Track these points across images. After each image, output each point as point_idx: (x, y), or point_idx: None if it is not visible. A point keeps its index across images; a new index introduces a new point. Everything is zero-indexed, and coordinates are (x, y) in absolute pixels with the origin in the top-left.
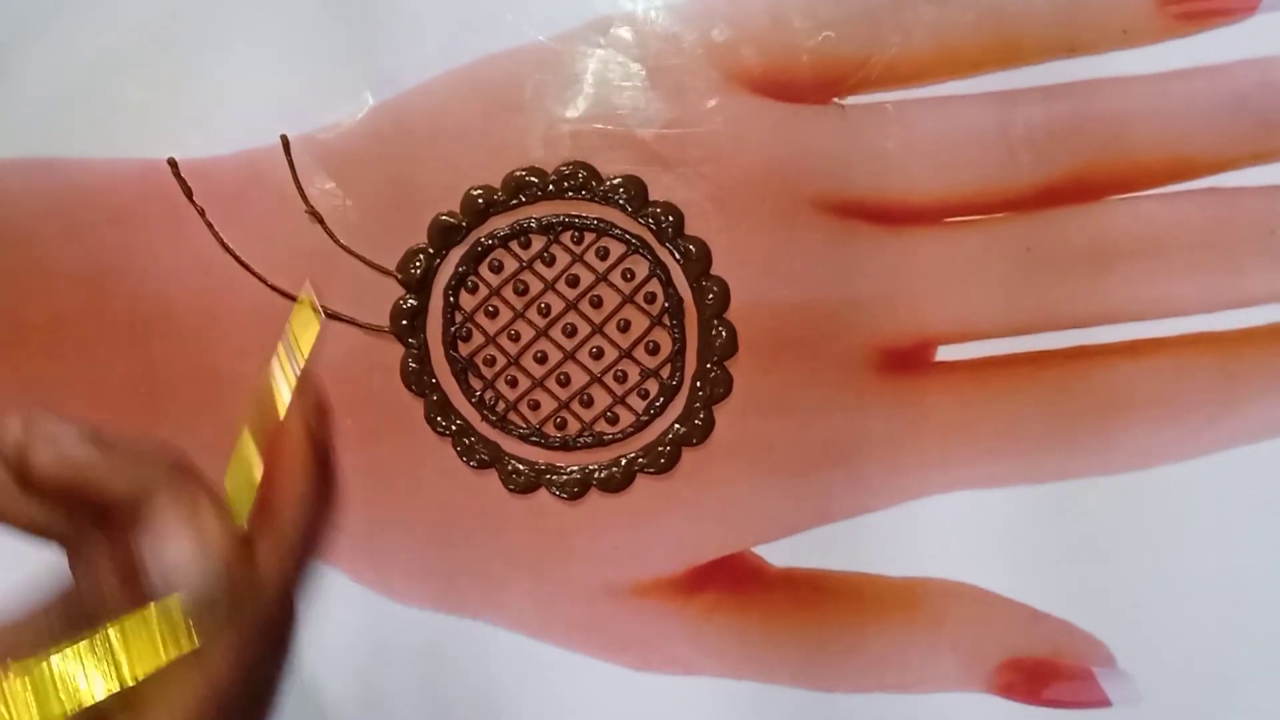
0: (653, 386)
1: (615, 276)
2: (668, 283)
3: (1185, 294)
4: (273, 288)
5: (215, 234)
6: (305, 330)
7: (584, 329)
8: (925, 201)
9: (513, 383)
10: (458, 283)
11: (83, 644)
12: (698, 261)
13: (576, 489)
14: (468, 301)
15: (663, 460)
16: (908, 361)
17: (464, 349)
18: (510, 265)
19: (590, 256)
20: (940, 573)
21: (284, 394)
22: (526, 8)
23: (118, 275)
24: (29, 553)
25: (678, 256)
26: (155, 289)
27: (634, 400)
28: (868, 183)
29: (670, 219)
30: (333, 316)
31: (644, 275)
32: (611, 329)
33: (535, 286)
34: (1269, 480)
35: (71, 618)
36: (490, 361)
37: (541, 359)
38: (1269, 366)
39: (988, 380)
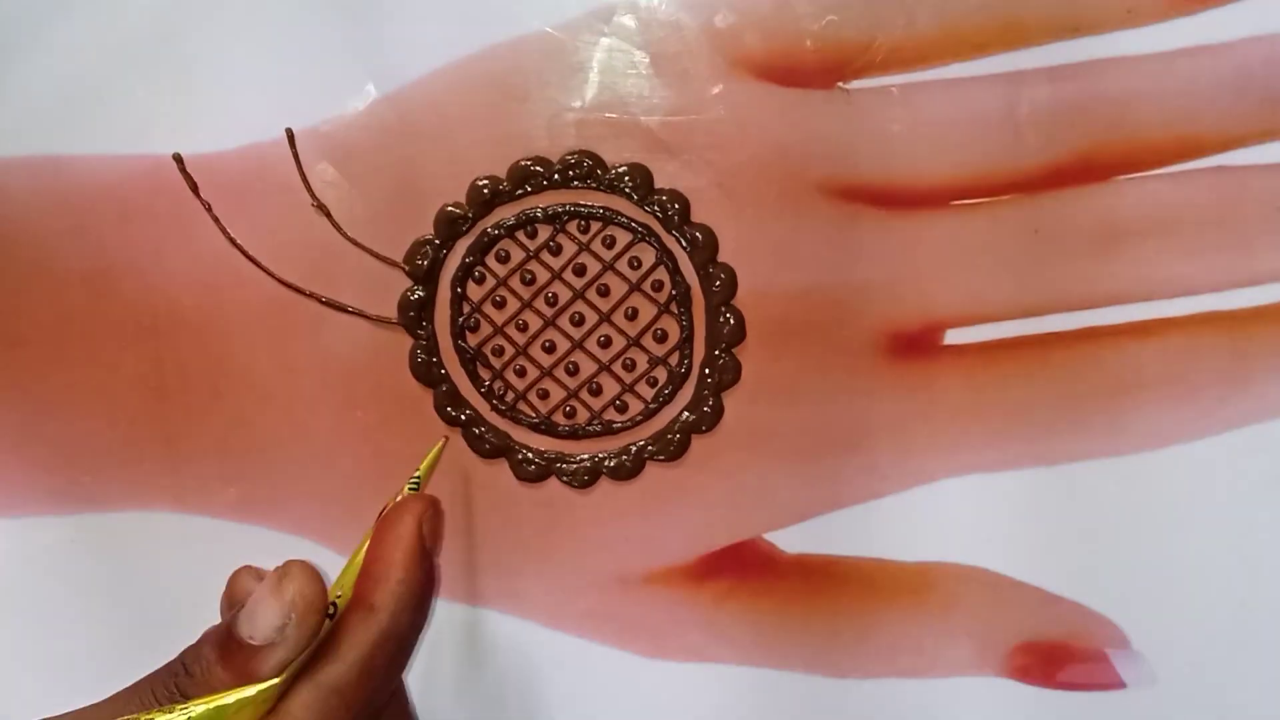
0: (661, 374)
1: (622, 265)
2: (675, 270)
3: (1194, 273)
4: (280, 281)
5: (222, 228)
6: (430, 461)
7: (592, 318)
8: (932, 184)
9: (521, 372)
10: (465, 273)
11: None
12: (704, 248)
13: (586, 478)
14: (475, 292)
15: (672, 448)
16: (916, 345)
17: (472, 339)
18: (517, 255)
19: (597, 245)
20: (952, 557)
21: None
22: None
23: (124, 272)
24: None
25: (684, 244)
26: (162, 285)
27: (643, 388)
28: (874, 167)
29: (676, 206)
30: (340, 309)
31: (651, 263)
32: (619, 317)
33: (542, 276)
34: None
35: (169, 692)
36: (499, 351)
37: (550, 348)
38: None
39: (997, 363)
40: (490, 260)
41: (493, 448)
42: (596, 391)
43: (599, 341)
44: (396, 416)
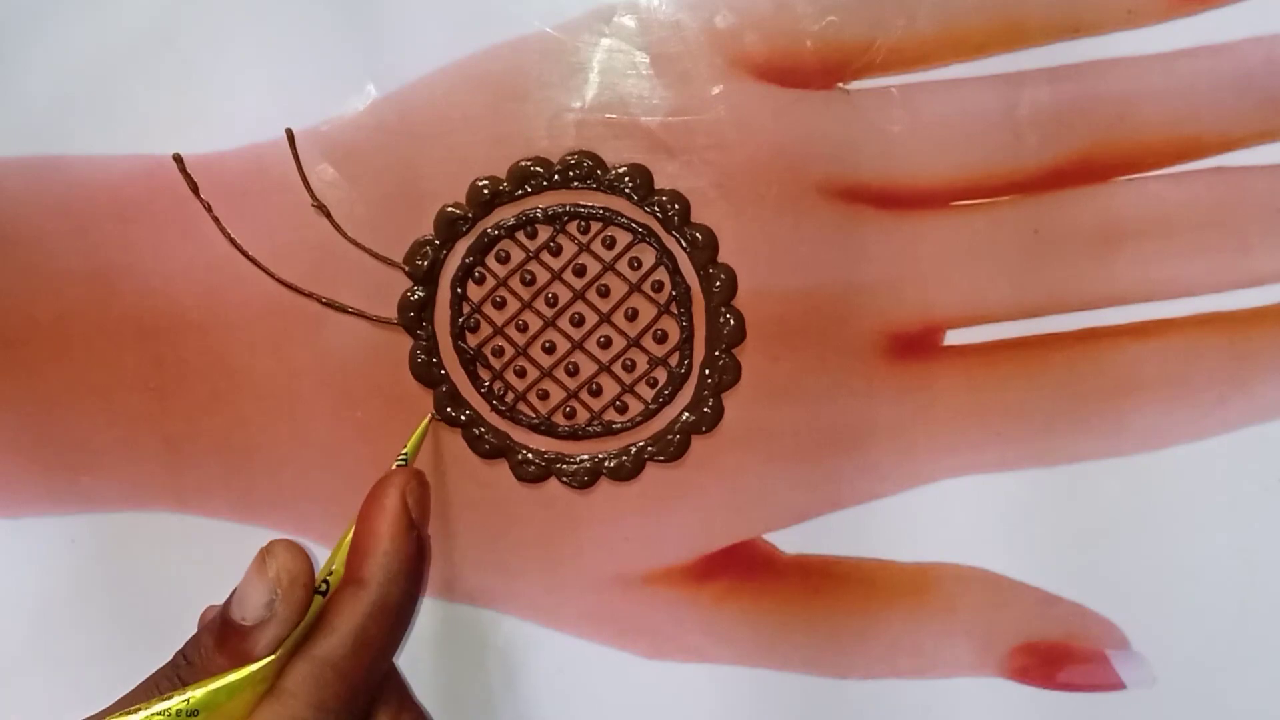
0: (661, 375)
1: (622, 265)
2: (675, 271)
3: (1194, 274)
4: (280, 281)
5: (222, 229)
6: (417, 438)
7: (591, 318)
8: (931, 185)
9: (521, 373)
10: (465, 274)
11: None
12: (705, 249)
13: (586, 478)
14: (475, 292)
15: (672, 448)
16: (916, 346)
17: (472, 340)
18: (517, 256)
19: (597, 246)
20: (952, 557)
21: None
22: None
23: (124, 272)
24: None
25: (684, 244)
26: (162, 285)
27: (642, 389)
28: (874, 167)
29: (676, 207)
30: (340, 309)
31: (651, 264)
32: (619, 318)
33: (542, 276)
34: None
35: (172, 683)
36: (498, 352)
37: (550, 349)
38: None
39: (996, 364)
40: (490, 261)
41: (493, 448)
42: (596, 392)
43: (599, 342)
44: (396, 416)
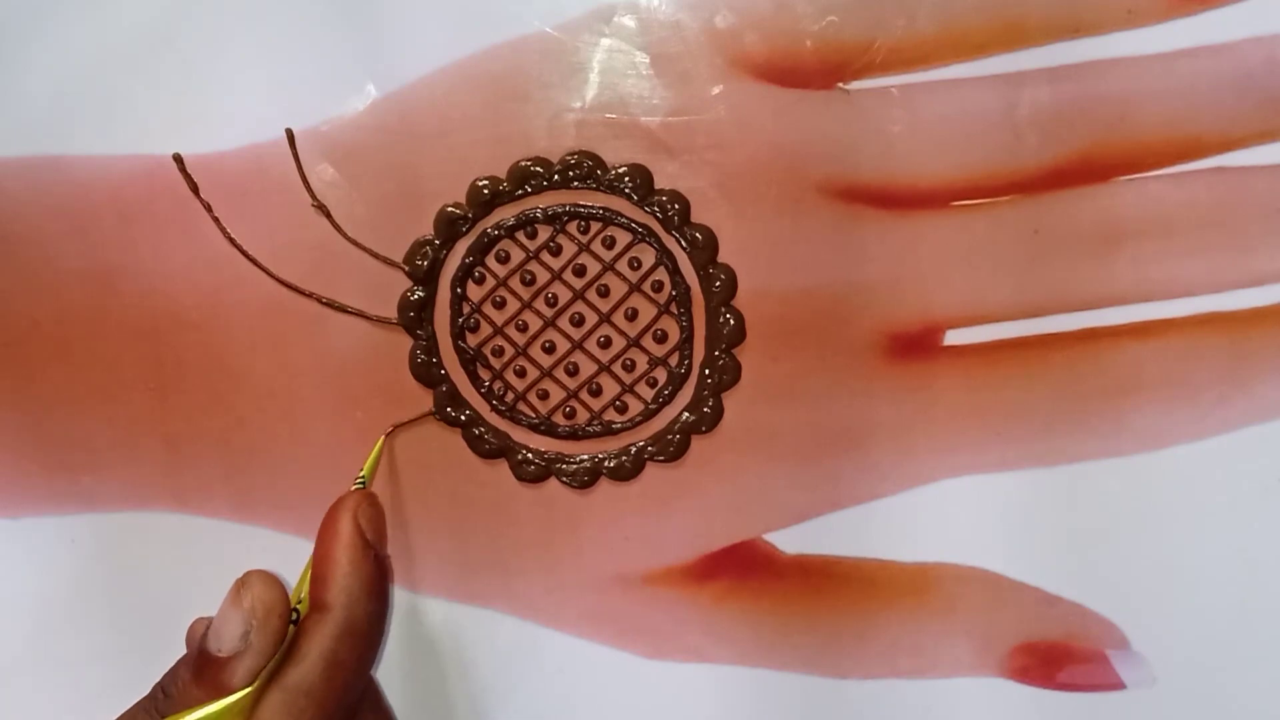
0: (661, 375)
1: (622, 265)
2: (675, 271)
3: (1194, 274)
4: (280, 281)
5: (222, 229)
6: (373, 460)
7: (591, 318)
8: (932, 185)
9: (521, 373)
10: (465, 274)
11: None
12: (704, 249)
13: (586, 478)
14: (475, 292)
15: (672, 448)
16: (916, 346)
17: (472, 340)
18: (517, 256)
19: (597, 246)
20: (952, 557)
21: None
22: None
23: (124, 272)
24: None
25: (684, 244)
26: (162, 285)
27: (642, 389)
28: (874, 167)
29: (676, 207)
30: (340, 309)
31: (651, 264)
32: (619, 318)
33: (542, 276)
34: None
35: (150, 717)
36: (498, 352)
37: (550, 349)
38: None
39: (997, 364)
40: (490, 261)
41: (493, 448)
42: (596, 392)
43: (599, 342)
44: (396, 416)
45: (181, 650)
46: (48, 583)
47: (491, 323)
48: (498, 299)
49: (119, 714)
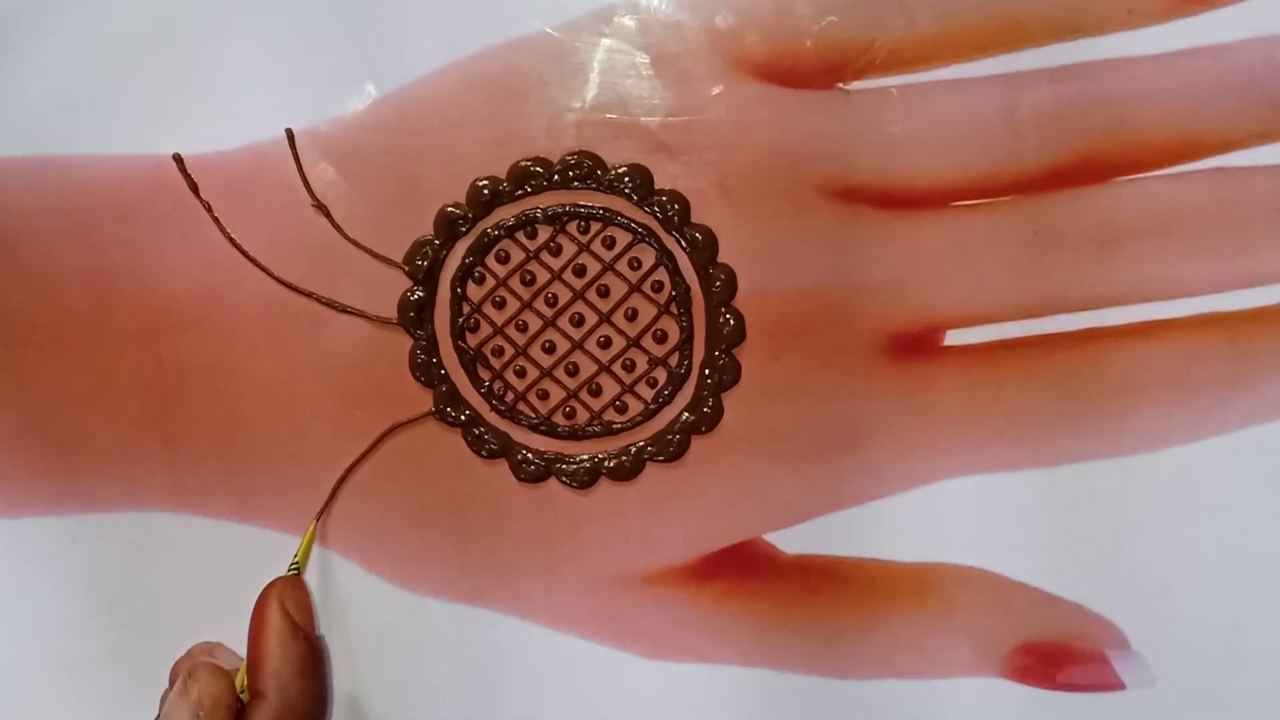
0: (661, 375)
1: (622, 265)
2: (674, 271)
3: (1194, 274)
4: (280, 281)
5: (222, 229)
6: (305, 544)
7: (591, 318)
8: (931, 185)
9: (521, 373)
10: (464, 274)
11: None
12: (704, 249)
13: (586, 478)
14: (475, 292)
15: (672, 448)
16: (916, 346)
17: (472, 340)
18: (517, 256)
19: (597, 246)
20: (952, 557)
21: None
22: None
23: (124, 272)
24: None
25: (684, 244)
26: (162, 285)
27: (642, 389)
28: (873, 167)
29: (676, 207)
30: (340, 309)
31: (651, 264)
32: (619, 318)
33: (542, 276)
34: None
35: None
36: (498, 352)
37: (550, 349)
38: None
39: (997, 364)
40: (490, 261)
41: (493, 448)
42: (596, 392)
43: (599, 342)
44: (396, 416)
45: (180, 651)
46: (48, 583)
47: (491, 323)
48: (498, 299)
49: None
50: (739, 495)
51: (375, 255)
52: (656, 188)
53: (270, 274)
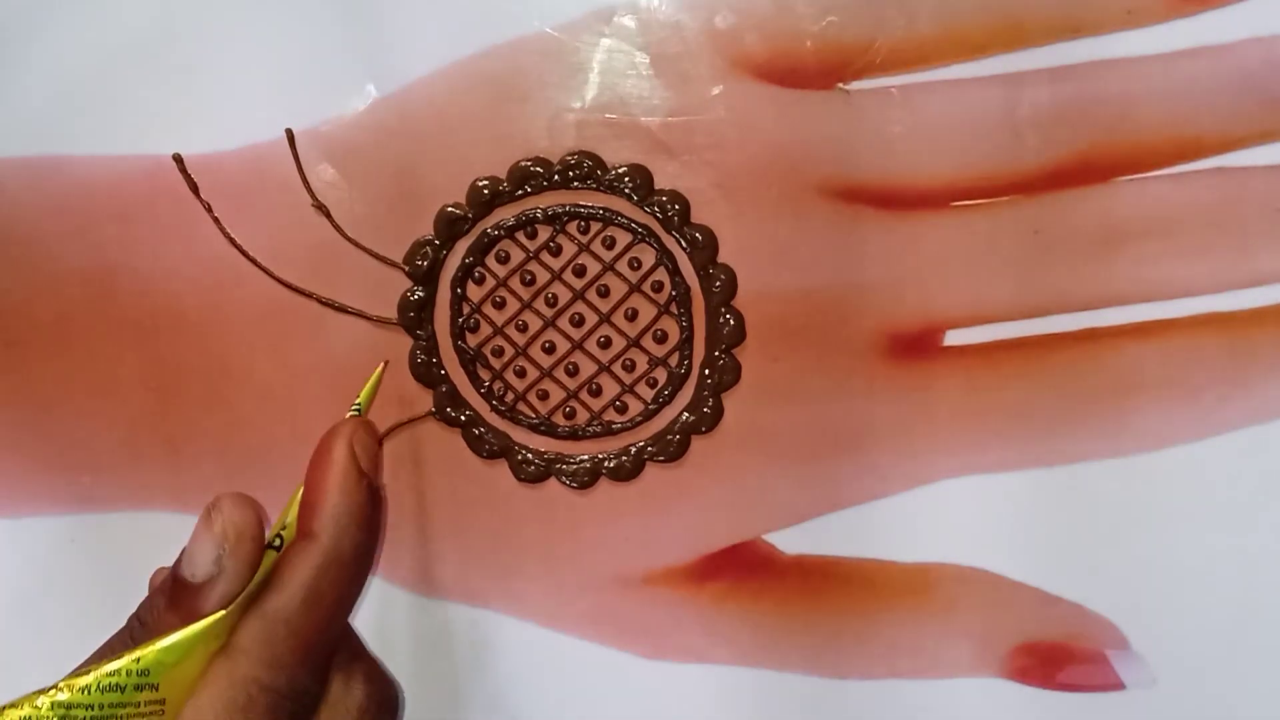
0: (661, 375)
1: (622, 265)
2: (675, 271)
3: (1194, 274)
4: (280, 281)
5: (222, 229)
6: (370, 389)
7: (591, 318)
8: (932, 185)
9: (521, 373)
10: (464, 274)
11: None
12: (704, 249)
13: (586, 478)
14: (475, 293)
15: (672, 449)
16: (916, 346)
17: (472, 340)
18: (517, 256)
19: (597, 246)
20: (952, 558)
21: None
22: None
23: (124, 272)
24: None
25: (684, 245)
26: (162, 285)
27: (642, 389)
28: (874, 167)
29: (676, 207)
30: (340, 309)
31: (651, 264)
32: (619, 318)
33: (542, 277)
34: None
35: (126, 645)
36: (498, 352)
37: (550, 349)
38: None
39: (997, 364)
40: (490, 261)
41: (493, 448)
42: (596, 392)
43: (599, 342)
44: (396, 417)
45: None
46: (48, 583)
47: (491, 323)
48: (498, 299)
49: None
50: (739, 495)
51: (375, 255)
52: (656, 188)
53: (270, 274)
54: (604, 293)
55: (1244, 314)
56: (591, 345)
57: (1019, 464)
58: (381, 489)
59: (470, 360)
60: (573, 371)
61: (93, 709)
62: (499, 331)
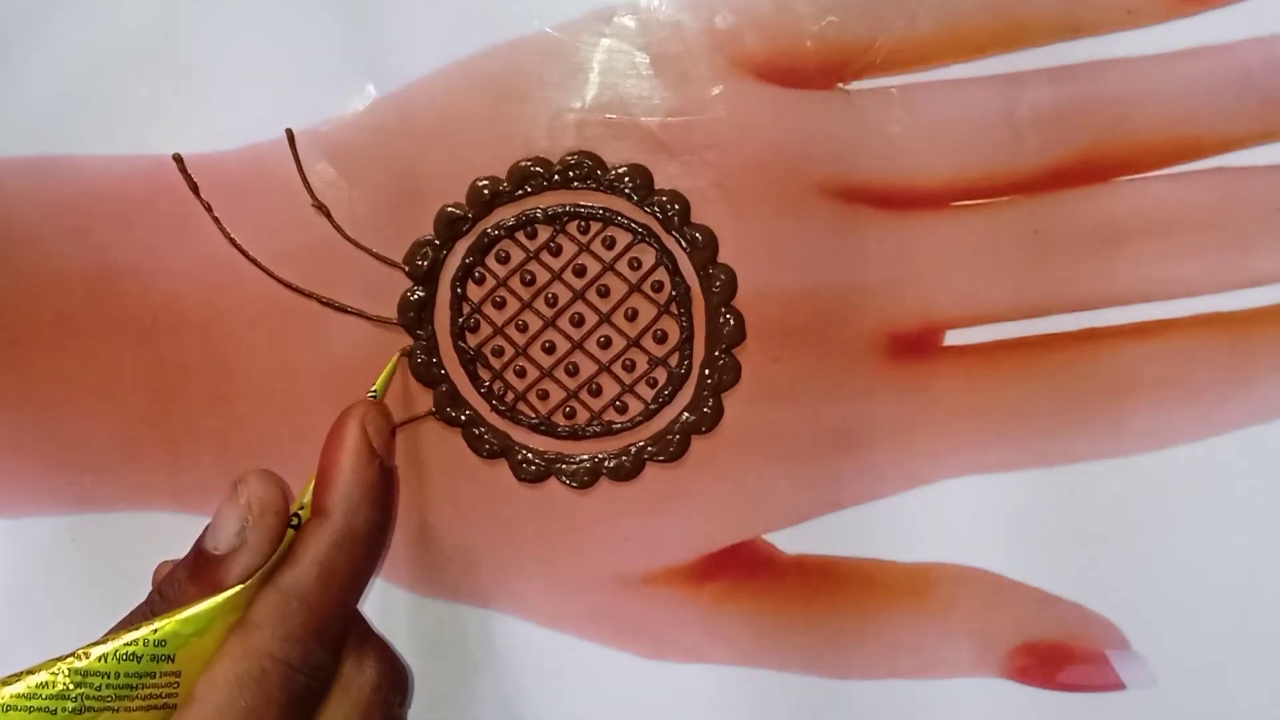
0: (661, 375)
1: (622, 265)
2: (674, 271)
3: (1194, 274)
4: (280, 281)
5: (222, 229)
6: (386, 375)
7: (591, 318)
8: (932, 185)
9: (521, 373)
10: (465, 274)
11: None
12: (704, 249)
13: (586, 478)
14: (475, 293)
15: (672, 449)
16: (916, 346)
17: (472, 340)
18: (517, 256)
19: (597, 246)
20: (952, 558)
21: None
22: None
23: (124, 272)
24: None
25: (684, 244)
26: (162, 285)
27: (642, 389)
28: (873, 167)
29: (676, 207)
30: (340, 309)
31: (651, 264)
32: (619, 318)
33: (542, 277)
34: None
35: (145, 617)
36: (498, 352)
37: (550, 349)
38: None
39: (997, 364)
40: (490, 261)
41: (493, 448)
42: (596, 392)
43: (599, 342)
44: (396, 416)
45: None
46: (48, 583)
47: (491, 323)
48: (498, 299)
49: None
50: (739, 495)
51: (375, 255)
52: (656, 188)
53: (270, 274)
54: (604, 293)
55: (1244, 314)
56: (591, 345)
57: (1019, 464)
58: (394, 469)
59: (470, 360)
60: (573, 371)
61: (109, 677)
62: (499, 331)
